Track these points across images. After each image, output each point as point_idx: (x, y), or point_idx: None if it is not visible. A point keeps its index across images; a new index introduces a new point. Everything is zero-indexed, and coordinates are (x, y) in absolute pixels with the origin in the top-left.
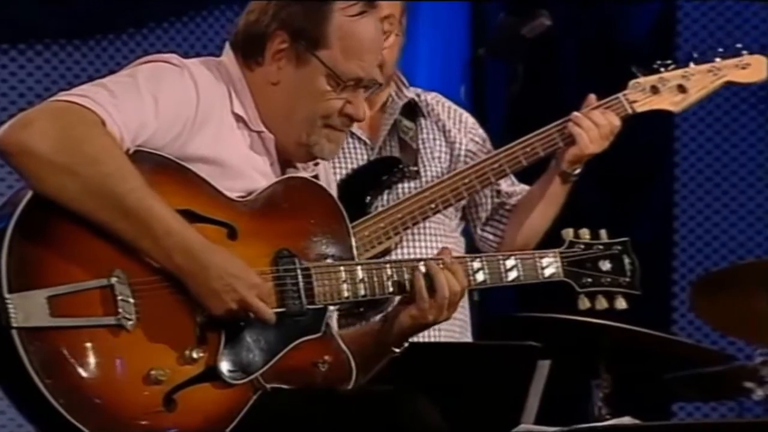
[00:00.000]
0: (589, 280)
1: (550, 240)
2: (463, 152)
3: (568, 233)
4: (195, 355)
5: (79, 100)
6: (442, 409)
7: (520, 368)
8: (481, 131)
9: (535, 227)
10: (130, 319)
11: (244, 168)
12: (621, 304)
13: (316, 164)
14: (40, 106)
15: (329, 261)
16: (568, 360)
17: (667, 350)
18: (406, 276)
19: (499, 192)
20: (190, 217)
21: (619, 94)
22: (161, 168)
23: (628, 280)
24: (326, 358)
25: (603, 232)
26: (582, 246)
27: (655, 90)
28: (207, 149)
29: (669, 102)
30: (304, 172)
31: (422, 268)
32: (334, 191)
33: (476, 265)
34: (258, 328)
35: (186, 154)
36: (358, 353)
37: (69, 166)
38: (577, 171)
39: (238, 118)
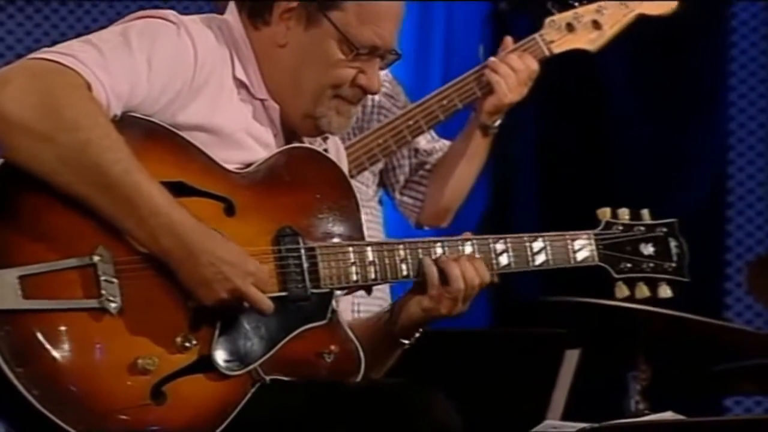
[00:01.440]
0: (629, 265)
1: (582, 220)
2: (376, 108)
3: (605, 213)
4: (187, 343)
5: (62, 60)
6: (458, 404)
7: (546, 358)
8: (395, 84)
9: (458, 187)
10: (114, 302)
11: (243, 138)
12: (665, 292)
13: (325, 139)
14: (17, 64)
15: (336, 241)
16: (600, 349)
17: (719, 338)
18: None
19: (417, 151)
20: (183, 189)
21: (535, 35)
22: (150, 135)
23: (674, 265)
24: (332, 348)
25: (645, 212)
26: (621, 227)
27: (570, 28)
28: (203, 116)
29: (585, 40)
30: (310, 144)
31: (437, 252)
32: (344, 166)
33: (499, 246)
34: (257, 315)
35: (179, 122)
36: (364, 346)
37: (45, 132)
38: (498, 122)
39: (240, 84)
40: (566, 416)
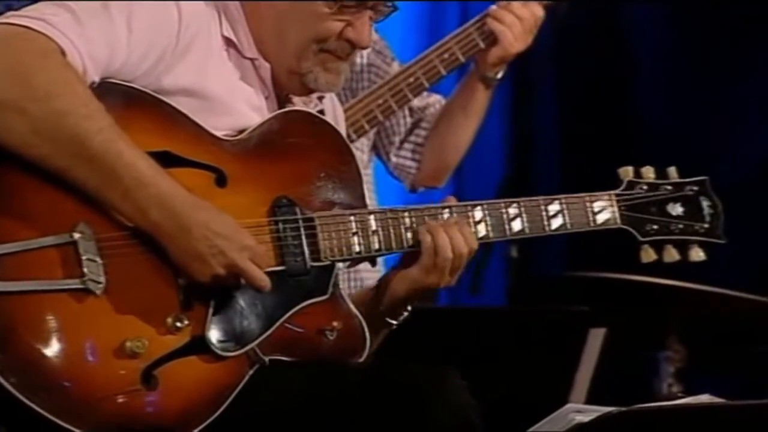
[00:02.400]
0: (655, 227)
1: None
2: (366, 67)
3: (627, 172)
4: (178, 324)
5: (31, 24)
6: (473, 386)
7: (568, 338)
8: (381, 40)
9: (458, 144)
10: (98, 282)
11: (233, 102)
12: (698, 254)
13: (321, 98)
14: None
15: (337, 210)
16: (627, 328)
17: (765, 315)
18: None
19: (411, 110)
20: (170, 160)
21: None
22: (132, 102)
23: (707, 226)
24: (335, 324)
25: (672, 170)
26: (645, 187)
27: None
28: (189, 80)
29: None
30: (305, 107)
31: (444, 219)
32: (342, 128)
33: (512, 211)
34: (253, 291)
35: (164, 87)
36: None
37: (15, 102)
38: (500, 74)
39: (228, 43)
40: (590, 400)
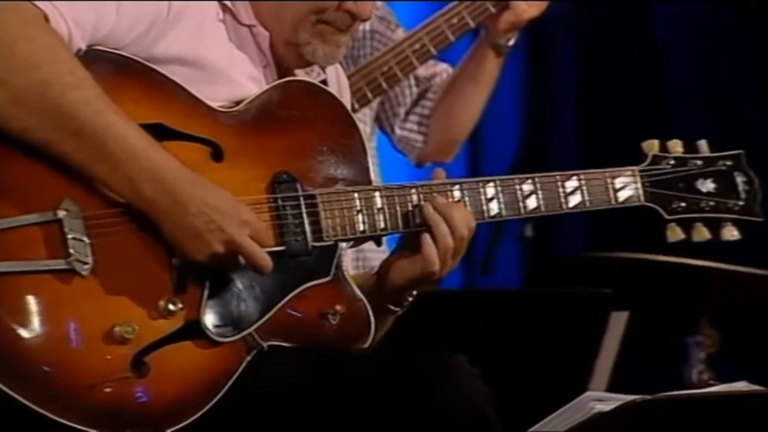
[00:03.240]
0: (683, 204)
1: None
2: (369, 33)
3: (652, 146)
4: (171, 307)
5: None
6: (486, 373)
7: (588, 322)
8: (384, 6)
9: (467, 115)
10: (85, 263)
11: (230, 71)
12: (731, 233)
13: (324, 67)
14: None
15: (340, 186)
16: (653, 311)
17: None
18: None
19: (417, 79)
20: (162, 133)
21: None
22: (122, 71)
23: (742, 203)
24: (337, 308)
25: (703, 143)
26: (672, 162)
27: None
28: (182, 47)
29: None
30: (307, 77)
31: (455, 195)
32: (347, 100)
33: (527, 187)
34: (251, 273)
35: (156, 55)
36: None
37: None
38: (512, 41)
39: (224, 9)
40: (611, 388)
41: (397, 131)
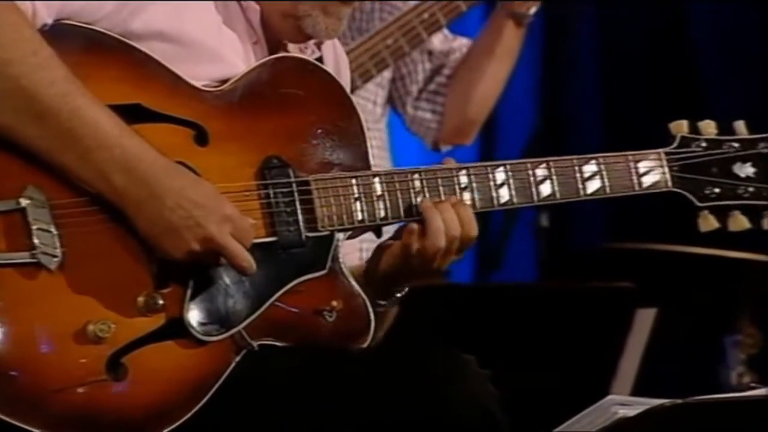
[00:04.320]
0: (716, 190)
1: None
2: (378, 5)
3: (680, 126)
4: (152, 304)
5: None
6: (497, 375)
7: (611, 319)
8: None
9: (486, 93)
10: (52, 255)
11: (216, 47)
12: None
13: (319, 44)
14: None
15: (336, 172)
16: (684, 308)
17: None
18: (442, 190)
19: (431, 54)
20: (140, 114)
21: None
22: (95, 47)
23: None
24: (334, 304)
25: (740, 124)
26: (704, 144)
27: None
28: (165, 21)
29: None
30: (301, 54)
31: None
32: (345, 78)
33: (540, 172)
34: None
35: (133, 30)
36: None
37: None
38: (534, 10)
39: None
40: (637, 391)
41: (410, 111)
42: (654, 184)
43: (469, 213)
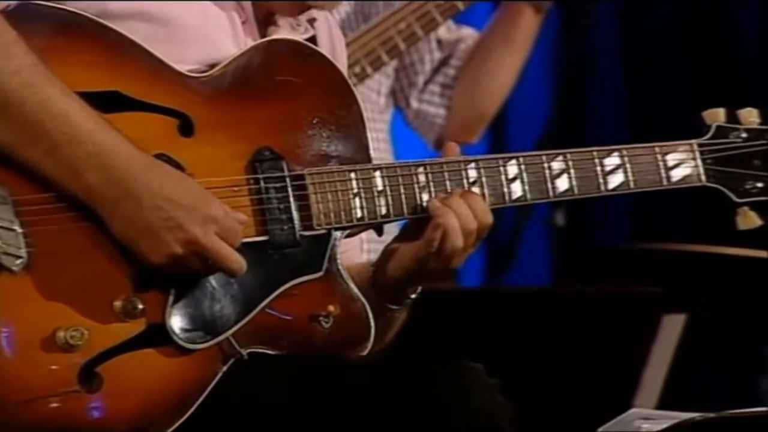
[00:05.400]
0: (759, 185)
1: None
2: None
3: (716, 115)
4: (130, 308)
5: None
6: (510, 385)
7: (634, 326)
8: None
9: (498, 86)
10: (16, 256)
11: (202, 28)
12: None
13: (312, 21)
14: None
15: (333, 165)
16: (716, 314)
17: None
18: (449, 185)
19: (440, 43)
20: (118, 102)
21: None
22: (67, 30)
23: None
24: (330, 309)
25: None
26: (744, 134)
27: None
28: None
29: None
30: (294, 33)
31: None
32: (342, 62)
33: (556, 165)
34: None
35: (109, 10)
36: None
37: None
38: None
39: None
40: (663, 404)
41: (413, 104)
42: (684, 179)
43: (482, 203)
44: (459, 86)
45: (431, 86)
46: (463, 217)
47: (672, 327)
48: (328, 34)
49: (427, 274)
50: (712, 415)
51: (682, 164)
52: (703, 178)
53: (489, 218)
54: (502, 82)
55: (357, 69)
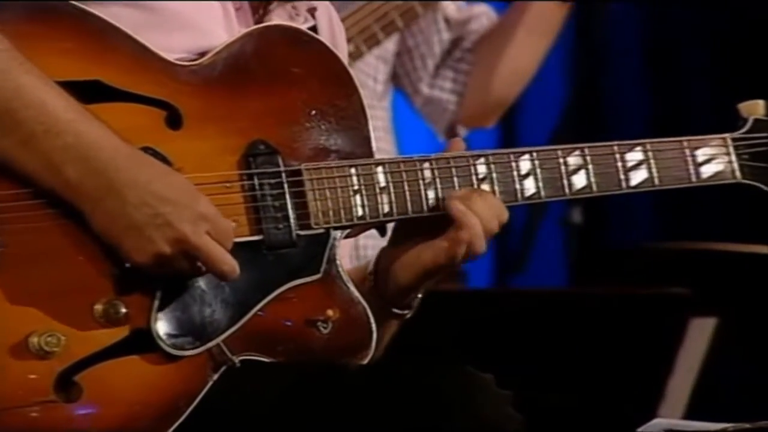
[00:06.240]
0: None
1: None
2: None
3: (754, 107)
4: (113, 312)
5: None
6: (522, 395)
7: (659, 330)
8: None
9: (519, 73)
10: None
11: (191, 13)
12: None
13: (312, 11)
14: None
15: (332, 160)
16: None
17: None
18: (457, 181)
19: (448, 22)
20: (100, 92)
21: None
22: (44, 15)
23: None
24: (329, 313)
25: None
26: None
27: None
28: None
29: None
30: (292, 22)
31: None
32: (342, 51)
33: (573, 161)
34: None
35: None
36: None
37: None
38: None
39: None
40: (690, 413)
41: (425, 90)
42: (716, 175)
43: (498, 201)
44: (475, 71)
45: (444, 71)
46: (485, 220)
47: (701, 331)
48: (328, 23)
49: (437, 275)
50: (746, 425)
51: (713, 160)
52: (738, 174)
53: (506, 216)
54: (525, 68)
55: (351, 47)
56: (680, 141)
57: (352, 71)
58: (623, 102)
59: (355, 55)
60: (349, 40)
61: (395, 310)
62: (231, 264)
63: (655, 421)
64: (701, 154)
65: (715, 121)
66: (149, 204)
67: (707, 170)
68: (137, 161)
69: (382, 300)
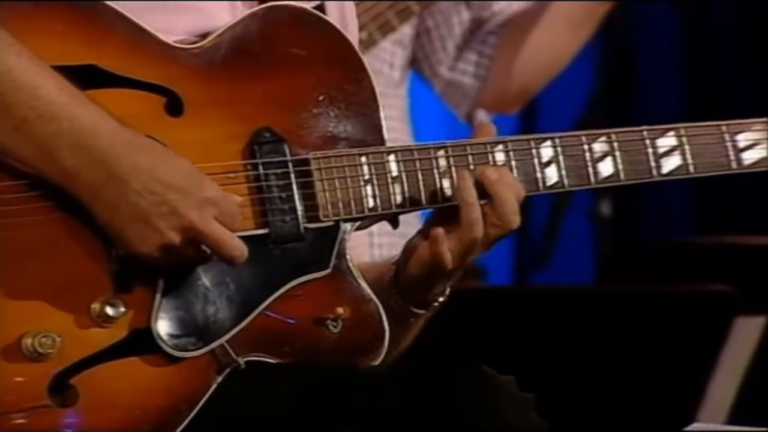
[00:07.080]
0: None
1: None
2: None
3: None
4: (110, 312)
5: None
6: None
7: (699, 330)
8: None
9: (553, 61)
10: None
11: None
12: None
13: None
14: None
15: (342, 148)
16: None
17: None
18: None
19: (468, 4)
20: (97, 77)
21: None
22: None
23: None
24: (339, 311)
25: None
26: None
27: None
28: None
29: None
30: (300, 3)
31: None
32: (353, 33)
33: (599, 147)
34: (222, 265)
35: None
36: None
37: None
38: None
39: None
40: (735, 418)
41: (445, 73)
42: (760, 161)
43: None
44: (500, 55)
45: (467, 54)
46: (514, 188)
47: (748, 331)
48: (338, 4)
49: (464, 269)
50: None
51: (756, 145)
52: None
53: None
54: (555, 62)
55: (363, 35)
56: (718, 125)
57: (361, 54)
58: (655, 84)
59: (368, 43)
60: (362, 28)
61: (413, 309)
62: (240, 248)
63: (695, 425)
64: (743, 139)
65: (756, 111)
66: (153, 191)
67: (749, 156)
68: (137, 146)
69: (399, 296)
